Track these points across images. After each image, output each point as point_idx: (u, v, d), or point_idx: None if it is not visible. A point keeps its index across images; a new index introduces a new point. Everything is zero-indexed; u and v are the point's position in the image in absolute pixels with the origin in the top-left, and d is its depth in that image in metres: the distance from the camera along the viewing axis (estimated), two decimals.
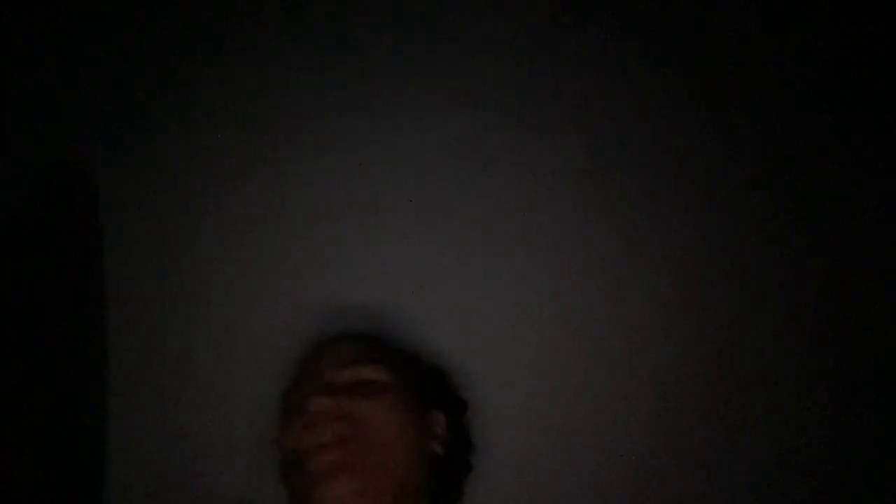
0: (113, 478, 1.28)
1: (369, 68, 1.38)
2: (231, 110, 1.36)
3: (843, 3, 1.39)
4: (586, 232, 1.37)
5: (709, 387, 1.33)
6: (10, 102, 1.35)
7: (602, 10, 1.39)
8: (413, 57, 1.38)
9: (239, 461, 1.29)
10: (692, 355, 1.34)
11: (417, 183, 1.37)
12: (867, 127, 1.39)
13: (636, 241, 1.36)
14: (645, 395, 1.33)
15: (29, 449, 1.25)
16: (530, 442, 1.31)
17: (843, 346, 1.35)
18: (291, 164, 1.36)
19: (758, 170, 1.38)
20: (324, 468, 1.07)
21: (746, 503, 1.31)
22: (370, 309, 1.33)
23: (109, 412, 1.30)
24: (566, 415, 1.32)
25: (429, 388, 1.20)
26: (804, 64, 1.39)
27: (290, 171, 1.36)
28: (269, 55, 1.37)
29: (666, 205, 1.37)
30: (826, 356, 1.35)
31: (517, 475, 1.30)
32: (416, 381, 1.18)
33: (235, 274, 1.34)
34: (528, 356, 1.33)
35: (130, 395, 1.30)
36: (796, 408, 1.34)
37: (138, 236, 1.34)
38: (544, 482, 1.31)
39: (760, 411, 1.34)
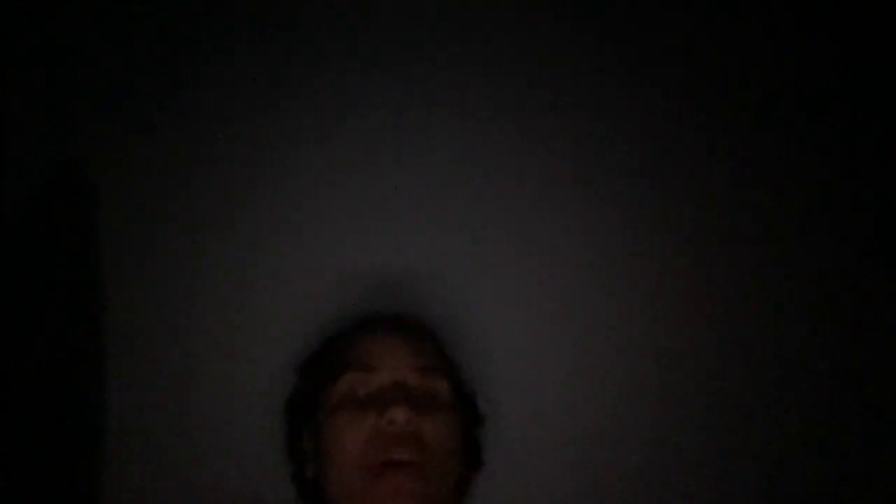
0: (113, 476, 1.29)
1: (373, 60, 1.38)
2: (231, 109, 1.37)
3: (843, 3, 1.39)
4: (595, 238, 1.37)
5: (717, 393, 1.34)
6: (10, 102, 1.35)
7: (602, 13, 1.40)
8: (419, 49, 1.38)
9: (240, 457, 1.30)
10: (704, 367, 1.34)
11: (419, 187, 1.38)
12: (868, 128, 1.39)
13: (645, 248, 1.37)
14: (651, 408, 1.33)
15: (29, 449, 1.25)
16: (536, 459, 1.32)
17: (842, 346, 1.35)
18: (293, 160, 1.37)
19: (758, 171, 1.38)
20: (395, 488, 1.09)
21: None
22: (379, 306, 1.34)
23: (109, 412, 1.30)
24: (574, 427, 1.32)
25: (462, 401, 1.21)
26: (805, 65, 1.40)
27: (292, 168, 1.36)
28: (269, 50, 1.38)
29: (673, 209, 1.37)
30: (826, 356, 1.35)
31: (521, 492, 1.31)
32: (458, 395, 1.20)
33: (236, 273, 1.34)
34: (533, 367, 1.34)
35: (131, 394, 1.30)
36: (799, 409, 1.34)
37: (138, 236, 1.34)
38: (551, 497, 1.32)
39: (765, 415, 1.34)
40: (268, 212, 1.36)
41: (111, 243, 1.33)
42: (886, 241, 1.37)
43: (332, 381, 1.17)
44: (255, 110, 1.36)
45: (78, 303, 1.33)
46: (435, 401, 1.15)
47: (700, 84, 1.39)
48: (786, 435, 1.33)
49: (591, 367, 1.34)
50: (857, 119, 1.39)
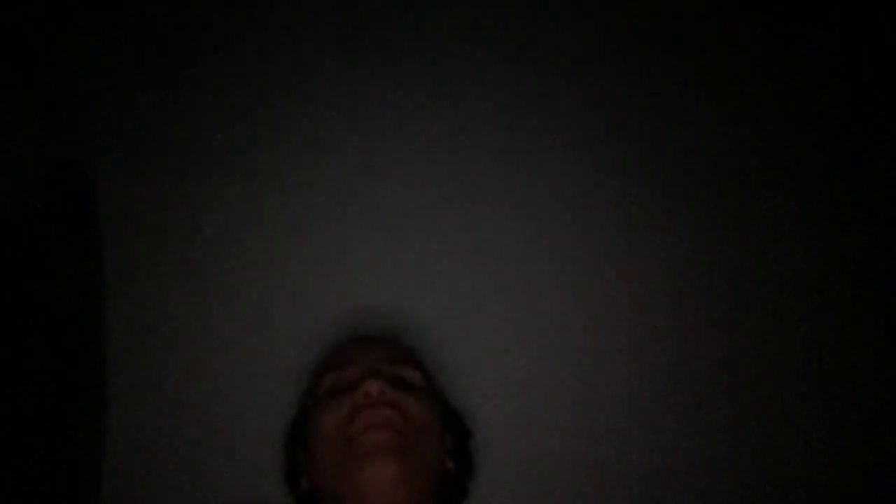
0: (113, 478, 1.29)
1: (374, 73, 1.38)
2: (232, 112, 1.37)
3: (843, 3, 1.40)
4: (589, 244, 1.37)
5: (710, 399, 1.34)
6: (10, 102, 1.35)
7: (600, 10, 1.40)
8: (415, 62, 1.39)
9: (239, 461, 1.30)
10: (700, 388, 1.35)
11: (422, 192, 1.38)
12: (868, 127, 1.39)
13: (637, 251, 1.37)
14: (648, 417, 1.34)
15: (29, 449, 1.25)
16: (528, 471, 1.33)
17: (842, 346, 1.35)
18: (295, 165, 1.37)
19: (757, 171, 1.39)
20: (375, 448, 1.11)
21: None
22: (375, 317, 1.34)
23: (109, 412, 1.30)
24: (566, 442, 1.33)
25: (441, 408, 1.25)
26: (804, 63, 1.40)
27: (293, 172, 1.37)
28: (274, 58, 1.38)
29: (664, 210, 1.38)
30: (826, 356, 1.35)
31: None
32: (436, 397, 1.24)
33: (235, 274, 1.35)
34: (529, 382, 1.35)
35: (130, 394, 1.31)
36: (796, 408, 1.34)
37: (138, 236, 1.35)
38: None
39: (763, 413, 1.34)
40: (268, 212, 1.36)
41: (111, 243, 1.34)
42: (887, 240, 1.37)
43: (315, 386, 1.21)
44: (255, 111, 1.37)
45: (77, 303, 1.33)
46: (410, 385, 1.19)
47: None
48: (777, 438, 1.34)
49: (579, 379, 1.35)
50: (860, 116, 1.39)
